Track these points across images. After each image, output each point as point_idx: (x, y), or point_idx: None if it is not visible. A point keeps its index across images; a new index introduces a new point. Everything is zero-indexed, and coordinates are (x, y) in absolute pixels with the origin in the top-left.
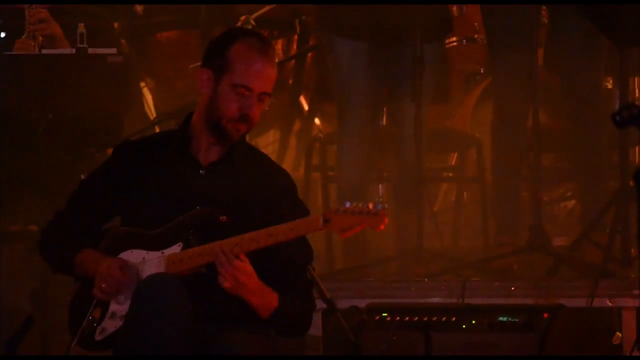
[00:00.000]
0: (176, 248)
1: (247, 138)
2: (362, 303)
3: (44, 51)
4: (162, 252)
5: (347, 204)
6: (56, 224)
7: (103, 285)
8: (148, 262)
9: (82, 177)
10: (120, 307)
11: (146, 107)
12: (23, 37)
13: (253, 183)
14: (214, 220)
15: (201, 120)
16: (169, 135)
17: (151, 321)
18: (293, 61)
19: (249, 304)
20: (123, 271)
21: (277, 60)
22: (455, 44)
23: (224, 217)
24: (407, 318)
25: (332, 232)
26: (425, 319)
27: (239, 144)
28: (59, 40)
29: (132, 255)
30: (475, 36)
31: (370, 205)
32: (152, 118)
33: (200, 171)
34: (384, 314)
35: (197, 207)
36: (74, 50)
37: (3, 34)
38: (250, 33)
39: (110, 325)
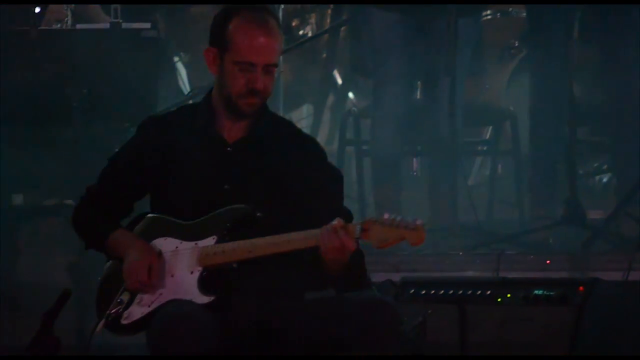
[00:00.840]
0: (210, 240)
1: (281, 113)
2: (396, 277)
3: (78, 26)
4: (196, 244)
5: (386, 216)
6: (88, 200)
7: (128, 282)
8: (181, 251)
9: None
10: (148, 295)
11: (180, 82)
12: None
13: (281, 156)
14: (250, 217)
15: (217, 98)
16: (193, 110)
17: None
18: (326, 35)
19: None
20: (150, 274)
21: (310, 34)
22: (489, 17)
23: (260, 214)
24: (442, 291)
25: (368, 242)
26: (460, 292)
27: (262, 117)
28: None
29: (166, 243)
30: (510, 9)
31: (410, 220)
32: (186, 92)
33: (228, 148)
34: (418, 288)
35: (236, 205)
36: (108, 25)
37: (38, 9)
38: (249, 6)
39: (137, 312)
